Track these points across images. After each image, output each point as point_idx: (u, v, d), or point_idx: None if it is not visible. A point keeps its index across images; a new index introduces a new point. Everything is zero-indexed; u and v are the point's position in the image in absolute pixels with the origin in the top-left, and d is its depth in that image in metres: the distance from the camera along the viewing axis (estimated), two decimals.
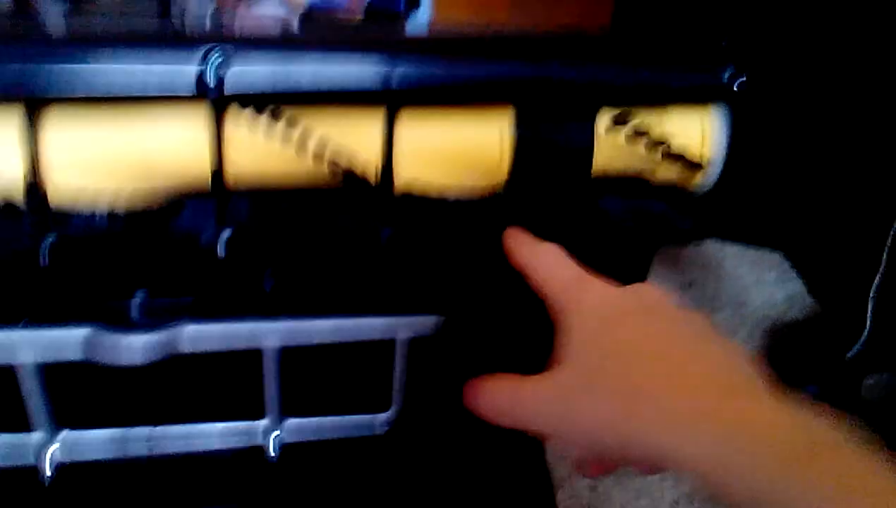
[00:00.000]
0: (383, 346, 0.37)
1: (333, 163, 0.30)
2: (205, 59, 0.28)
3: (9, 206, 0.30)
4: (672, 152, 0.33)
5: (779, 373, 0.25)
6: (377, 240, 0.33)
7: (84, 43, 0.28)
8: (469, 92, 0.31)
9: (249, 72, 0.29)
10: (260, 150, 0.31)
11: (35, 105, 0.29)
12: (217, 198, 0.31)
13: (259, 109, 0.30)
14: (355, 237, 0.33)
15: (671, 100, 0.34)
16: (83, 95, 0.29)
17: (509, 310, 0.37)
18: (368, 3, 0.58)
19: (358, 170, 0.31)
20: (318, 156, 0.30)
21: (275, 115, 0.30)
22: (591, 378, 0.26)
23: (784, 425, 0.22)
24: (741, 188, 0.38)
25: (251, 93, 0.29)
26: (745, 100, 0.34)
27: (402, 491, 0.41)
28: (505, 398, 0.28)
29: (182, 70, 0.28)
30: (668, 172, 0.35)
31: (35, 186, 0.30)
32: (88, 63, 0.28)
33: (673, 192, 0.37)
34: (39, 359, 0.34)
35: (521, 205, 0.34)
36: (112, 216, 0.32)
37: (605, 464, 0.30)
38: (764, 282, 1.08)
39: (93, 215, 0.32)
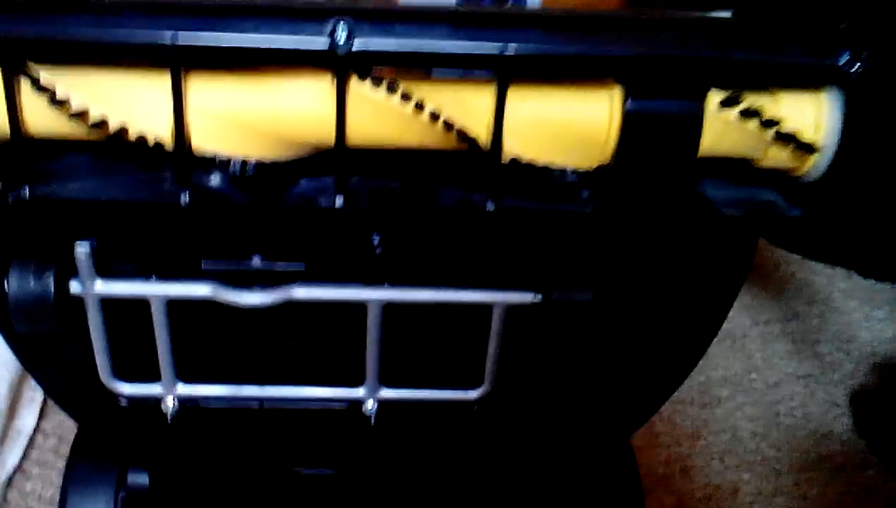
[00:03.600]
0: (481, 320, 0.38)
1: (446, 133, 0.32)
2: (332, 30, 0.31)
3: (149, 159, 0.34)
4: (784, 133, 0.33)
5: (887, 412, 0.25)
6: (483, 211, 0.34)
7: (222, 12, 0.31)
8: (578, 67, 0.32)
9: (372, 43, 0.31)
10: (378, 120, 0.33)
11: (178, 69, 0.32)
12: (337, 165, 0.33)
13: (378, 81, 0.32)
14: (462, 207, 0.35)
15: (783, 83, 0.34)
16: (220, 64, 0.32)
17: (611, 288, 0.37)
18: None
19: (469, 141, 0.32)
20: (431, 126, 0.32)
21: (392, 88, 0.32)
22: None
23: None
24: (852, 179, 0.37)
25: (373, 64, 0.31)
26: (861, 87, 0.33)
27: (491, 458, 0.42)
28: None
29: (311, 40, 0.31)
30: (777, 156, 0.35)
31: (179, 146, 0.33)
32: (226, 31, 0.31)
33: (780, 179, 0.36)
34: (164, 310, 0.37)
35: (623, 184, 0.34)
36: (238, 179, 0.35)
37: None
38: (873, 319, 1.03)
39: (222, 178, 0.35)
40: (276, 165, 0.35)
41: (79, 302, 0.36)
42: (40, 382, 0.43)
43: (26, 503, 0.59)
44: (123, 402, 0.38)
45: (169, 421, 0.39)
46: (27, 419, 0.64)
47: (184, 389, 0.39)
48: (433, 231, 0.37)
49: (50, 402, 0.69)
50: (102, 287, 0.36)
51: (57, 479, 0.62)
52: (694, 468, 0.74)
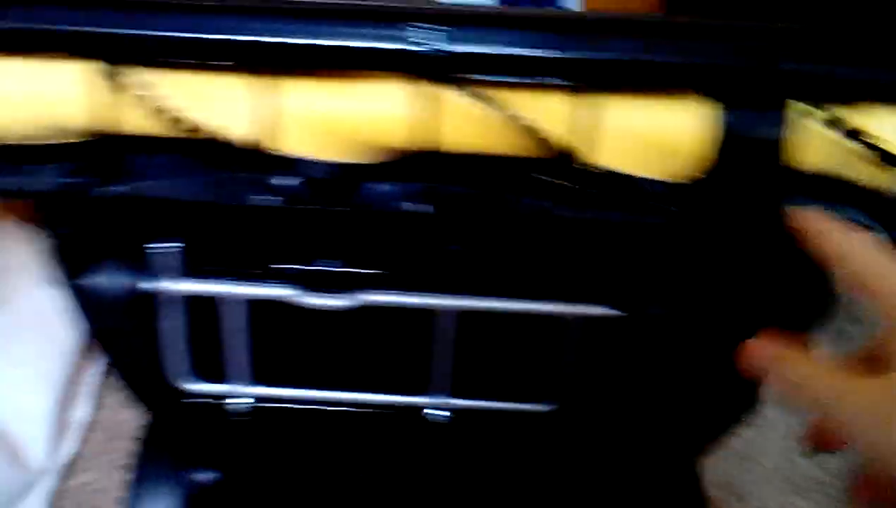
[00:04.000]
0: (555, 332, 0.37)
1: (530, 140, 0.32)
2: (418, 35, 0.30)
3: (227, 158, 0.34)
4: (878, 148, 0.32)
5: None
6: (565, 220, 0.34)
7: (307, 15, 0.31)
8: (674, 77, 0.31)
9: (462, 49, 0.30)
10: (462, 125, 0.32)
11: (273, 73, 0.32)
12: (419, 170, 0.33)
13: (464, 86, 0.32)
14: (542, 216, 0.34)
15: (879, 98, 0.33)
16: (304, 66, 0.32)
17: (702, 306, 0.36)
18: None
19: (553, 148, 0.32)
20: (513, 133, 0.32)
21: (477, 93, 0.32)
22: None
23: None
24: None
25: (461, 69, 0.31)
26: None
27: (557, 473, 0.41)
28: (824, 386, 0.26)
29: (396, 44, 0.31)
30: (871, 174, 0.34)
31: (264, 147, 0.33)
32: (311, 36, 0.31)
33: (872, 199, 0.35)
34: (244, 310, 0.37)
35: (714, 197, 0.34)
36: (318, 182, 0.35)
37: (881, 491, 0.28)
38: None
39: (303, 180, 0.35)
40: (356, 167, 0.35)
41: (156, 299, 0.36)
42: (121, 374, 0.43)
43: (84, 494, 0.60)
44: (195, 400, 0.39)
45: (241, 421, 0.39)
46: (82, 409, 0.65)
47: (256, 390, 0.39)
48: (512, 240, 0.36)
49: (102, 394, 0.70)
50: (182, 285, 0.36)
51: (112, 471, 0.62)
52: (747, 492, 0.72)
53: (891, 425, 0.24)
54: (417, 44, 0.30)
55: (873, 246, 0.28)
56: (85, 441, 0.64)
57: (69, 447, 0.62)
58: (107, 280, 0.35)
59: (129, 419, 0.68)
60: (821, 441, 0.32)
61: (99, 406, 0.68)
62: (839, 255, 0.28)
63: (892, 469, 0.24)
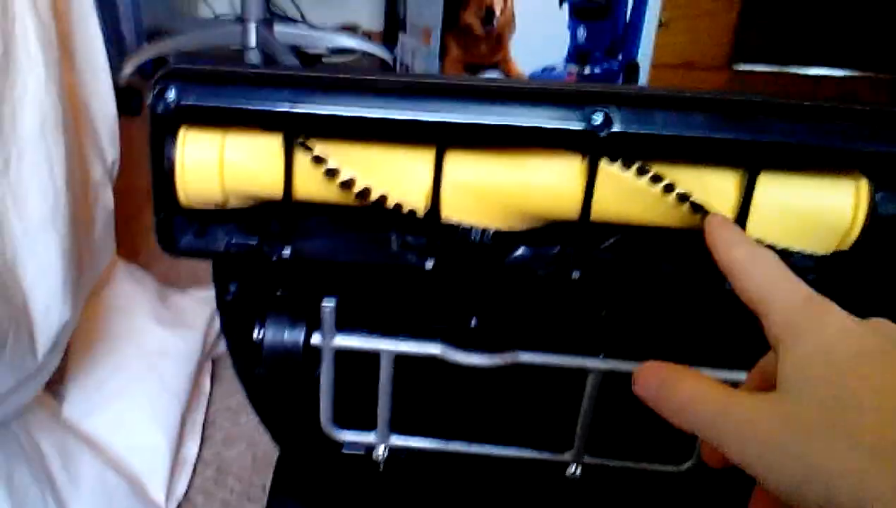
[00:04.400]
0: None
1: (690, 214, 0.33)
2: (588, 117, 0.33)
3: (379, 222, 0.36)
4: None
5: None
6: (722, 290, 0.35)
7: (483, 94, 0.34)
8: (829, 159, 0.33)
9: (629, 130, 0.33)
10: (623, 198, 0.34)
11: (442, 148, 0.34)
12: (579, 239, 0.35)
13: (629, 162, 0.34)
14: (700, 286, 0.36)
15: None
16: (479, 142, 0.34)
17: None
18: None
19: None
20: (676, 206, 0.33)
21: (643, 170, 0.33)
22: (831, 416, 0.23)
23: None
24: None
25: (628, 149, 0.33)
26: None
27: None
28: (706, 403, 0.25)
29: (567, 125, 0.33)
30: None
31: (433, 215, 0.35)
32: (485, 114, 0.33)
33: None
34: (391, 364, 0.39)
35: (859, 270, 0.35)
36: (476, 247, 0.37)
37: None
38: None
39: (463, 244, 0.37)
40: (510, 235, 0.37)
41: (317, 353, 0.39)
42: (264, 422, 0.46)
43: None
44: (343, 449, 0.41)
45: (380, 469, 0.41)
46: (191, 447, 0.68)
47: (397, 440, 0.41)
48: (660, 306, 0.38)
49: (207, 432, 0.73)
50: (341, 340, 0.38)
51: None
52: None
53: (769, 442, 0.23)
54: (591, 123, 0.32)
55: (775, 263, 0.27)
56: (192, 478, 0.67)
57: (183, 482, 0.64)
58: (280, 335, 0.37)
59: (234, 456, 0.70)
60: (713, 458, 0.31)
61: (202, 442, 0.70)
62: (741, 267, 0.28)
63: (773, 486, 0.23)
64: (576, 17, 1.39)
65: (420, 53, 1.46)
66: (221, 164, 0.35)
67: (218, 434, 0.73)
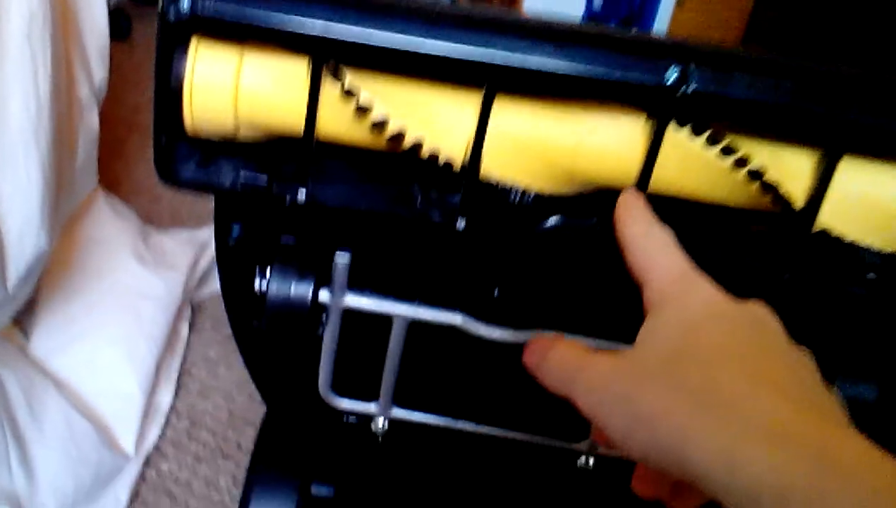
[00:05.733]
0: None
1: (760, 193, 0.30)
2: (662, 71, 0.29)
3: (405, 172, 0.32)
4: None
5: None
6: (782, 278, 0.32)
7: (543, 36, 0.29)
8: None
9: (708, 90, 0.29)
10: (689, 169, 0.31)
11: (492, 90, 0.30)
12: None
13: (699, 130, 0.30)
14: (764, 273, 0.32)
15: None
16: (534, 90, 0.30)
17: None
18: None
19: (783, 203, 0.30)
20: (745, 183, 0.30)
21: (715, 139, 0.30)
22: (667, 367, 0.24)
23: (892, 474, 0.19)
24: None
25: (703, 113, 0.29)
26: None
27: None
28: (569, 363, 0.26)
29: (637, 79, 0.29)
30: None
31: (472, 169, 0.31)
32: (544, 56, 0.29)
33: None
34: (404, 331, 0.35)
35: None
36: (513, 208, 0.33)
37: (658, 483, 0.27)
38: None
39: (500, 205, 0.33)
40: (551, 199, 0.33)
41: (324, 311, 0.35)
42: (254, 378, 0.42)
43: (163, 483, 0.59)
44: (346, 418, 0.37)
45: (379, 441, 0.38)
46: (164, 396, 0.64)
47: (398, 413, 0.37)
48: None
49: (182, 381, 0.69)
50: (351, 300, 0.34)
51: (191, 462, 0.61)
52: None
53: (606, 389, 0.24)
54: (665, 80, 0.28)
55: (664, 242, 0.28)
56: (165, 429, 0.63)
57: (154, 433, 0.61)
58: (286, 289, 0.33)
59: (210, 409, 0.67)
60: (600, 437, 0.31)
61: (176, 394, 0.67)
62: (633, 242, 0.29)
63: (610, 433, 0.24)
64: None
65: None
66: (237, 87, 0.30)
67: (193, 384, 0.69)
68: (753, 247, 0.32)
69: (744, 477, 0.20)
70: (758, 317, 0.26)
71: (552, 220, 0.34)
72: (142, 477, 0.58)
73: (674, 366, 0.24)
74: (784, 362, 0.24)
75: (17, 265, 0.42)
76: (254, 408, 0.66)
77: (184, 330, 0.71)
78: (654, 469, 0.26)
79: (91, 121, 0.58)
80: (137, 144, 0.94)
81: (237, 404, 0.67)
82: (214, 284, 0.76)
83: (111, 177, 0.85)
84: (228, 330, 0.41)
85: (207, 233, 0.80)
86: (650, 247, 0.28)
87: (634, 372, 0.24)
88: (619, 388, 0.24)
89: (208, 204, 0.37)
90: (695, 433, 0.21)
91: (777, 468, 0.20)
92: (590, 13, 1.39)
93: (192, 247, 0.75)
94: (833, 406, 0.23)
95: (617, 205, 0.30)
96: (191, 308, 0.73)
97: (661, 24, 1.39)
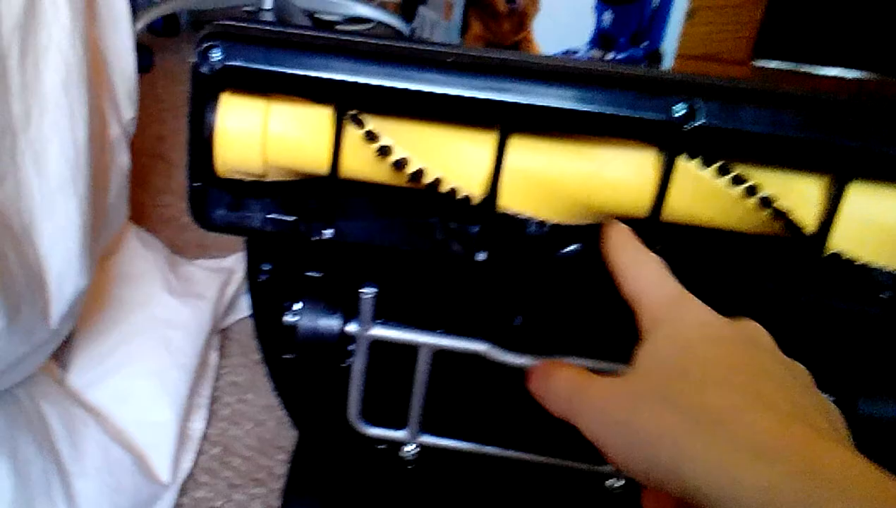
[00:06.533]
0: None
1: (771, 220, 0.31)
2: (670, 107, 0.30)
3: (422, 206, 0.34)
4: None
5: None
6: (801, 302, 0.33)
7: (553, 77, 0.31)
8: None
9: (713, 124, 0.30)
10: (700, 198, 0.32)
11: (506, 132, 0.32)
12: (651, 236, 0.32)
13: (708, 162, 0.31)
14: (780, 297, 0.33)
15: None
16: (546, 127, 0.32)
17: None
18: None
19: (794, 229, 0.31)
20: (756, 211, 0.31)
21: (724, 169, 0.31)
22: (663, 388, 0.24)
23: (878, 485, 0.20)
24: None
25: (711, 146, 0.30)
26: None
27: None
28: (570, 388, 0.27)
29: (646, 115, 0.30)
30: None
31: (489, 204, 0.32)
32: (555, 97, 0.30)
33: None
34: (429, 360, 0.36)
35: None
36: (530, 239, 0.34)
37: (665, 502, 0.27)
38: None
39: (518, 237, 0.34)
40: (567, 229, 0.34)
41: (352, 342, 0.36)
42: (287, 407, 0.43)
43: None
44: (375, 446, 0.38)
45: (408, 467, 0.39)
46: (197, 423, 0.66)
47: (427, 440, 0.39)
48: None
49: (213, 408, 0.70)
50: (378, 331, 0.36)
51: (225, 489, 0.63)
52: None
53: (606, 412, 0.25)
54: (672, 115, 0.29)
55: (654, 267, 0.29)
56: (198, 456, 0.64)
57: (189, 460, 0.62)
58: (316, 321, 0.34)
59: (240, 435, 0.68)
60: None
61: (209, 421, 0.68)
62: (624, 269, 0.30)
63: (611, 456, 0.24)
64: (603, 0, 1.35)
65: (440, 28, 1.42)
66: (265, 133, 0.32)
67: (224, 410, 0.70)
68: (768, 271, 0.33)
69: (735, 494, 0.21)
70: (750, 335, 0.26)
71: (569, 249, 0.36)
72: (178, 505, 0.60)
73: (669, 388, 0.24)
74: (776, 378, 0.24)
75: (59, 303, 0.44)
76: (283, 433, 0.68)
77: (213, 357, 0.73)
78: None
79: (122, 159, 0.60)
80: (163, 174, 0.96)
81: (267, 428, 0.68)
82: (241, 311, 0.78)
83: (138, 208, 0.87)
84: (255, 356, 0.42)
85: (233, 261, 0.82)
86: (641, 273, 0.29)
87: (631, 395, 0.25)
88: (617, 411, 0.25)
89: None
90: (689, 452, 0.22)
91: (766, 482, 0.20)
92: (600, 29, 1.41)
93: (219, 275, 0.77)
94: (825, 419, 0.24)
95: (602, 236, 0.31)
96: (219, 334, 0.75)
97: (671, 37, 1.41)
